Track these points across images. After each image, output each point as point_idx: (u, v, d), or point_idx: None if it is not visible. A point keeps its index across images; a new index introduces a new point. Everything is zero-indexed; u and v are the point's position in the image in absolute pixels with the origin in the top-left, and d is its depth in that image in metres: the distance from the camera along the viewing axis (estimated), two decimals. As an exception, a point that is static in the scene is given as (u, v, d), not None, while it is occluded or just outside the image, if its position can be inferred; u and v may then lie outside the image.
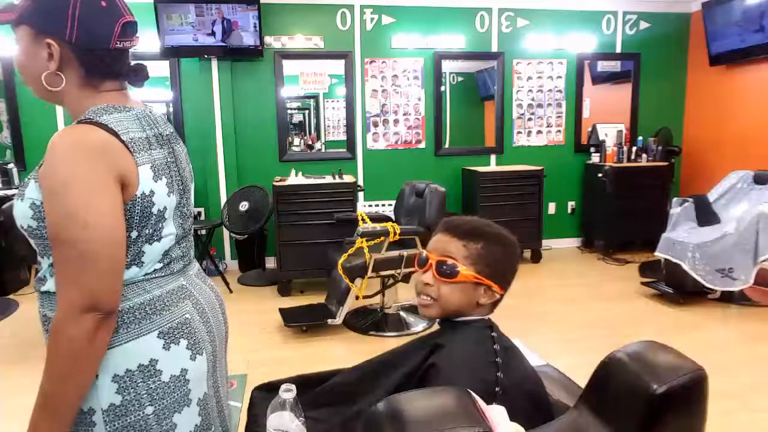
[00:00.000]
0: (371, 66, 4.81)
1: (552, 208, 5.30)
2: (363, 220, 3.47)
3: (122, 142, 0.88)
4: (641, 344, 0.95)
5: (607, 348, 0.98)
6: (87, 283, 0.82)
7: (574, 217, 5.39)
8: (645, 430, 0.84)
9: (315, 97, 5.21)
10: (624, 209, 4.79)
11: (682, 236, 3.67)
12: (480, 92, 5.47)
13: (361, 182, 4.84)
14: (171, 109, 4.65)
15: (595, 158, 5.08)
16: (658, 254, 3.79)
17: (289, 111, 5.05)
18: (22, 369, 2.80)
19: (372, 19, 4.73)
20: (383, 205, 4.90)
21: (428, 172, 4.93)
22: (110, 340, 0.88)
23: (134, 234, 0.91)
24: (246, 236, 4.35)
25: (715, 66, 4.87)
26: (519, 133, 5.19)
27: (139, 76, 1.00)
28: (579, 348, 2.97)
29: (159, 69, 4.42)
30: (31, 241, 0.92)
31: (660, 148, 5.02)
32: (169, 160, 0.99)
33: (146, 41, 4.16)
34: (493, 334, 1.07)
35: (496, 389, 0.98)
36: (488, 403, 0.87)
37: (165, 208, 0.95)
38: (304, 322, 3.25)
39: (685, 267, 3.52)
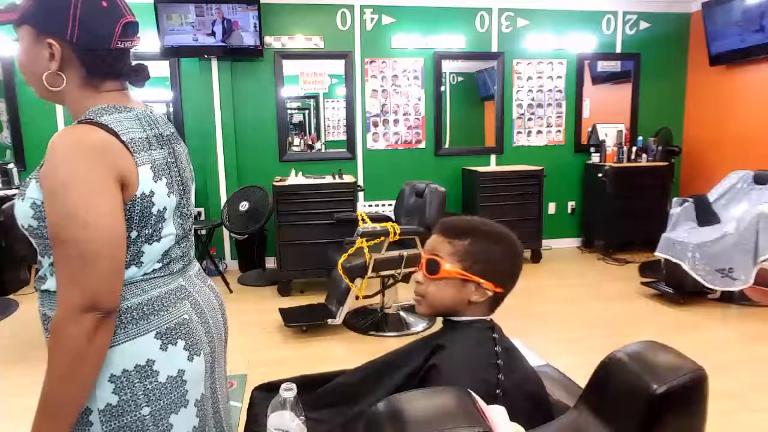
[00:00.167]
0: (371, 66, 4.81)
1: (552, 208, 5.30)
2: (363, 220, 3.47)
3: (122, 142, 0.88)
4: (641, 344, 0.95)
5: (607, 348, 0.98)
6: (87, 282, 0.82)
7: (574, 217, 5.39)
8: (645, 430, 0.84)
9: (315, 97, 5.21)
10: (624, 209, 4.79)
11: (682, 236, 3.67)
12: (480, 92, 5.47)
13: (361, 182, 4.84)
14: (171, 109, 4.65)
15: (595, 158, 5.08)
16: (658, 254, 3.79)
17: (289, 111, 5.05)
18: (22, 369, 2.81)
19: (372, 19, 4.74)
20: (383, 205, 4.90)
21: (428, 172, 4.93)
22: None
23: (134, 234, 0.91)
24: (246, 236, 4.35)
25: (715, 66, 4.87)
26: (519, 133, 5.19)
27: (140, 76, 1.00)
28: (579, 348, 2.97)
29: (159, 69, 4.42)
30: (32, 241, 0.92)
31: (660, 148, 5.02)
32: (169, 160, 0.99)
33: (146, 41, 4.16)
34: (495, 335, 1.07)
35: (497, 391, 0.98)
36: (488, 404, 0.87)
37: (165, 209, 0.95)
38: (304, 322, 3.25)
39: (685, 267, 3.52)
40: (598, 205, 4.96)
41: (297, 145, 5.20)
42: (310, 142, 5.24)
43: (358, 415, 1.10)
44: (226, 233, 4.73)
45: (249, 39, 4.34)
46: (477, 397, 0.82)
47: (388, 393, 1.04)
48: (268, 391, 1.31)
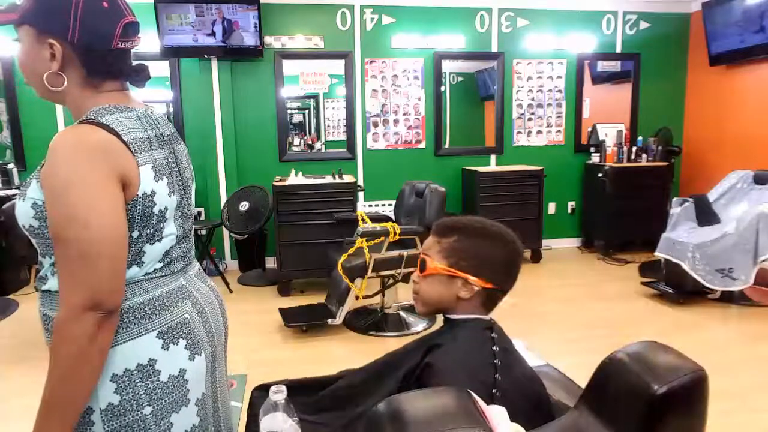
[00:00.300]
0: (371, 66, 4.81)
1: (552, 208, 5.30)
2: (363, 220, 3.47)
3: (123, 142, 0.88)
4: (641, 344, 0.95)
5: (607, 348, 0.98)
6: (89, 282, 0.82)
7: (574, 217, 5.39)
8: (645, 431, 0.84)
9: (315, 97, 5.21)
10: (624, 209, 4.79)
11: (682, 236, 3.67)
12: (480, 92, 5.47)
13: (361, 182, 4.84)
14: (171, 109, 4.65)
15: (595, 158, 5.08)
16: (658, 254, 3.79)
17: (289, 111, 5.05)
18: (22, 369, 2.80)
19: (372, 19, 4.74)
20: (383, 205, 4.90)
21: (428, 172, 4.93)
22: None
23: (135, 234, 0.91)
24: (246, 236, 4.35)
25: (715, 66, 4.87)
26: (519, 133, 5.19)
27: (140, 76, 1.00)
28: (579, 348, 2.97)
29: (159, 69, 4.42)
30: (33, 241, 0.92)
31: (660, 148, 5.02)
32: (169, 160, 0.99)
33: (146, 41, 4.14)
34: (494, 335, 1.07)
35: (494, 391, 0.98)
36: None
37: (166, 208, 0.95)
38: (304, 322, 3.25)
39: (685, 267, 3.52)
40: (598, 205, 4.97)
41: (297, 145, 5.20)
42: (310, 142, 5.24)
43: (358, 416, 1.10)
44: (226, 233, 4.73)
45: (249, 39, 4.34)
46: (477, 398, 0.82)
47: (388, 393, 1.04)
48: (268, 391, 1.31)
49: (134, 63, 1.00)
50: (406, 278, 3.35)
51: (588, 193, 5.21)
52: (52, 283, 0.91)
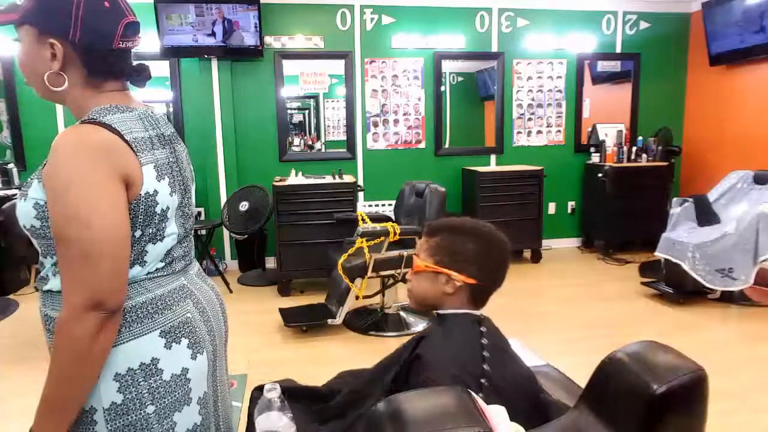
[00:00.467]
0: (371, 66, 4.81)
1: (552, 208, 5.30)
2: (363, 220, 3.47)
3: (126, 141, 0.88)
4: (641, 344, 0.95)
5: (607, 348, 0.98)
6: (91, 282, 0.82)
7: (574, 217, 5.39)
8: (645, 431, 0.84)
9: (315, 97, 5.21)
10: (624, 209, 4.79)
11: (682, 236, 3.67)
12: (480, 92, 5.47)
13: (361, 182, 4.84)
14: (171, 109, 4.65)
15: (595, 158, 5.08)
16: (658, 254, 3.79)
17: (289, 111, 5.05)
18: (22, 369, 2.80)
19: (372, 19, 4.74)
20: (383, 205, 4.90)
21: (428, 172, 4.93)
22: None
23: (138, 233, 0.91)
24: (246, 236, 4.35)
25: (715, 66, 4.87)
26: (519, 133, 5.19)
27: (141, 76, 1.00)
28: (579, 348, 2.97)
29: (159, 69, 4.42)
30: (34, 241, 0.92)
31: (660, 148, 5.02)
32: (170, 160, 1.00)
33: (146, 41, 4.14)
34: (483, 329, 1.10)
35: (482, 380, 1.00)
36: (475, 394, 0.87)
37: (168, 208, 0.96)
38: (304, 322, 3.25)
39: (685, 267, 3.52)
40: (598, 205, 4.96)
41: (297, 145, 5.20)
42: (310, 142, 5.24)
43: (358, 417, 1.11)
44: (226, 233, 4.73)
45: (249, 39, 4.34)
46: (477, 397, 0.82)
47: (384, 391, 1.05)
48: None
49: (135, 63, 1.00)
50: (405, 278, 3.35)
51: (588, 193, 5.21)
52: (53, 284, 0.91)
